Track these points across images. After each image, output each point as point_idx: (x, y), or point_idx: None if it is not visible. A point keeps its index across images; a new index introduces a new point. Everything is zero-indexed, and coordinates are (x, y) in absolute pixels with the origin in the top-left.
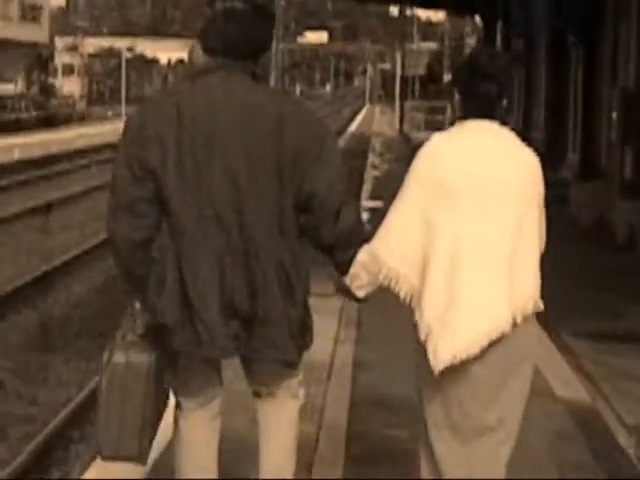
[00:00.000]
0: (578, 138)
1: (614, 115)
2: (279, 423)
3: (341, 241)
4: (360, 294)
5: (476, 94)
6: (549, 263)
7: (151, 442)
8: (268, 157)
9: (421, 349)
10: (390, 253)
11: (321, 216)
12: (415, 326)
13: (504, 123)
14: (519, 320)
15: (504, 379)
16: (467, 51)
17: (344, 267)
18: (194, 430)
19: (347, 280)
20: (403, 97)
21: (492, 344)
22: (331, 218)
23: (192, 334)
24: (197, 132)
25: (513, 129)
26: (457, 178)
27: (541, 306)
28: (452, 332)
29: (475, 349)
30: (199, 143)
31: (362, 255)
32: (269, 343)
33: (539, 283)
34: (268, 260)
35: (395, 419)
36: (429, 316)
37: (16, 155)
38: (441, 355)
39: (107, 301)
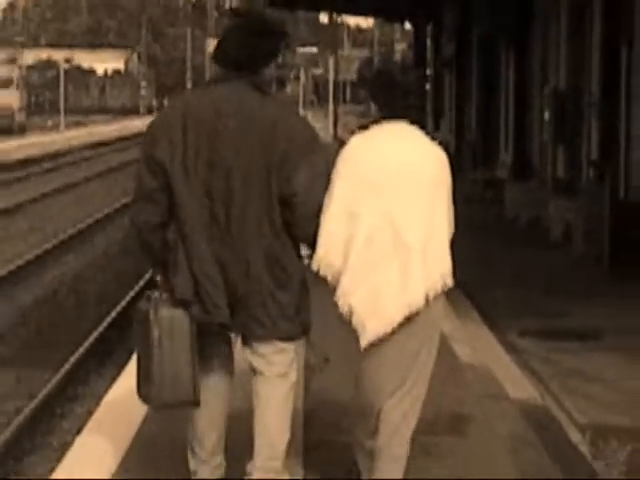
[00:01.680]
0: (511, 138)
1: (546, 115)
2: (269, 401)
3: (308, 238)
4: (321, 272)
5: (390, 105)
6: (489, 265)
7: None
8: (260, 157)
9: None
10: (320, 244)
11: (298, 215)
12: (336, 304)
13: (414, 123)
14: (432, 297)
15: (417, 348)
16: (397, 57)
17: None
18: (207, 389)
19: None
20: (336, 102)
21: (408, 318)
22: (306, 219)
23: (201, 305)
24: (200, 133)
25: (421, 127)
26: (378, 175)
27: (451, 284)
28: (375, 310)
29: (395, 324)
30: (201, 142)
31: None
32: (259, 323)
33: (450, 263)
34: (257, 247)
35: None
36: (352, 297)
37: None
38: (368, 331)
39: None
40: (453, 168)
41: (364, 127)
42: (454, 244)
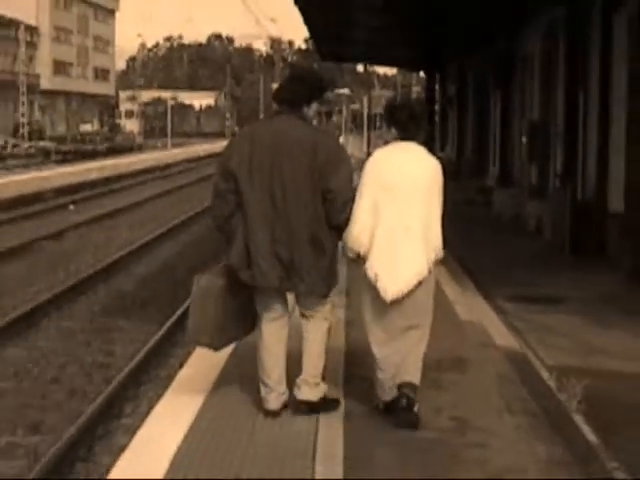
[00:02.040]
0: (497, 157)
1: (523, 140)
2: (314, 335)
3: (341, 224)
4: (350, 255)
5: (405, 125)
6: (482, 250)
7: (235, 337)
8: (306, 166)
9: (365, 285)
10: (353, 233)
11: (333, 207)
12: (365, 272)
13: (420, 143)
14: (431, 267)
15: (420, 301)
16: (414, 96)
17: (340, 237)
18: (267, 334)
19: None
20: (369, 129)
21: (415, 283)
22: (339, 209)
23: (250, 272)
24: (263, 150)
25: (428, 147)
26: (392, 178)
27: (441, 255)
28: (395, 277)
29: (410, 286)
30: (264, 157)
31: (345, 235)
32: (305, 284)
33: (441, 242)
34: (303, 229)
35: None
36: (377, 266)
37: (93, 175)
38: (390, 292)
39: None
40: (455, 178)
41: (385, 144)
42: (455, 232)
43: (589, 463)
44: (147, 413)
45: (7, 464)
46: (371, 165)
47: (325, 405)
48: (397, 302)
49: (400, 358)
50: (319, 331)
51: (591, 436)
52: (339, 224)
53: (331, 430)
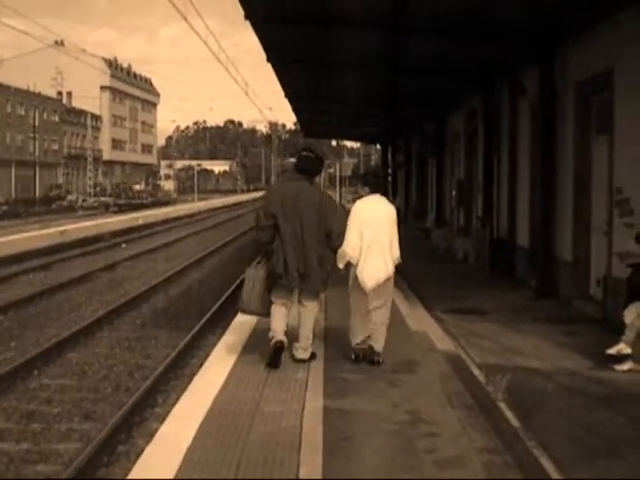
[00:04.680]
0: (434, 205)
1: (453, 192)
2: (306, 318)
3: (336, 248)
4: (340, 266)
5: (373, 186)
6: (425, 273)
7: (265, 311)
8: (315, 213)
9: (352, 282)
10: (349, 249)
11: (332, 238)
12: (353, 274)
13: (383, 194)
14: (393, 267)
15: (385, 289)
16: (372, 163)
17: (335, 254)
18: (277, 312)
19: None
20: (341, 186)
21: (385, 278)
22: (336, 240)
23: (286, 277)
24: (288, 201)
25: (387, 197)
26: (369, 216)
27: (399, 261)
28: (370, 275)
29: (380, 281)
30: (289, 205)
31: (340, 251)
32: (310, 284)
33: (399, 252)
34: (312, 252)
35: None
36: (363, 272)
37: (140, 221)
38: (370, 284)
39: None
40: (402, 220)
41: (360, 197)
42: (405, 260)
43: (514, 446)
44: (173, 405)
45: (66, 446)
46: (355, 209)
47: (310, 358)
48: (373, 290)
49: (372, 326)
50: (310, 315)
51: (514, 421)
52: (335, 248)
53: (312, 427)
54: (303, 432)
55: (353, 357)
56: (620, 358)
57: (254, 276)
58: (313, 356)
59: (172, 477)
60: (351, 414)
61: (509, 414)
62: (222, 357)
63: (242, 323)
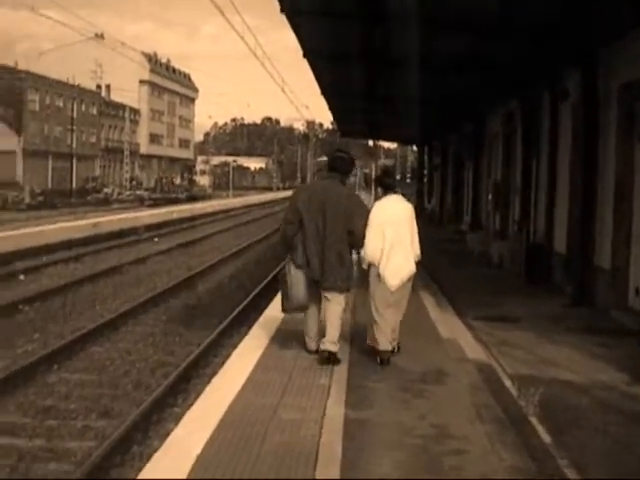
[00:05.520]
0: (470, 208)
1: (489, 196)
2: (332, 313)
3: (359, 247)
4: (364, 266)
5: (389, 186)
6: (457, 278)
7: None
8: (340, 211)
9: (375, 280)
10: (369, 249)
11: (355, 237)
12: (376, 273)
13: (402, 195)
14: (414, 266)
15: (405, 286)
16: (409, 164)
17: (357, 253)
18: (311, 309)
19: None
20: (376, 187)
21: (408, 276)
22: (358, 239)
23: (308, 269)
24: (316, 198)
25: (418, 199)
26: (388, 217)
27: (420, 257)
28: (395, 273)
29: (404, 279)
30: (316, 202)
31: (362, 253)
32: (330, 282)
33: (419, 248)
34: (333, 249)
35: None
36: (386, 270)
37: (174, 215)
38: (393, 283)
39: None
40: (439, 224)
41: (378, 198)
42: (436, 261)
43: (545, 465)
44: (192, 404)
45: (80, 444)
46: (375, 211)
47: (335, 362)
48: (399, 288)
49: (392, 324)
50: (335, 308)
51: (545, 436)
52: (357, 247)
53: (331, 435)
54: (321, 443)
55: (379, 361)
56: None
57: (297, 273)
58: (337, 361)
59: None
60: (374, 425)
61: (540, 429)
62: (243, 358)
63: (266, 324)
